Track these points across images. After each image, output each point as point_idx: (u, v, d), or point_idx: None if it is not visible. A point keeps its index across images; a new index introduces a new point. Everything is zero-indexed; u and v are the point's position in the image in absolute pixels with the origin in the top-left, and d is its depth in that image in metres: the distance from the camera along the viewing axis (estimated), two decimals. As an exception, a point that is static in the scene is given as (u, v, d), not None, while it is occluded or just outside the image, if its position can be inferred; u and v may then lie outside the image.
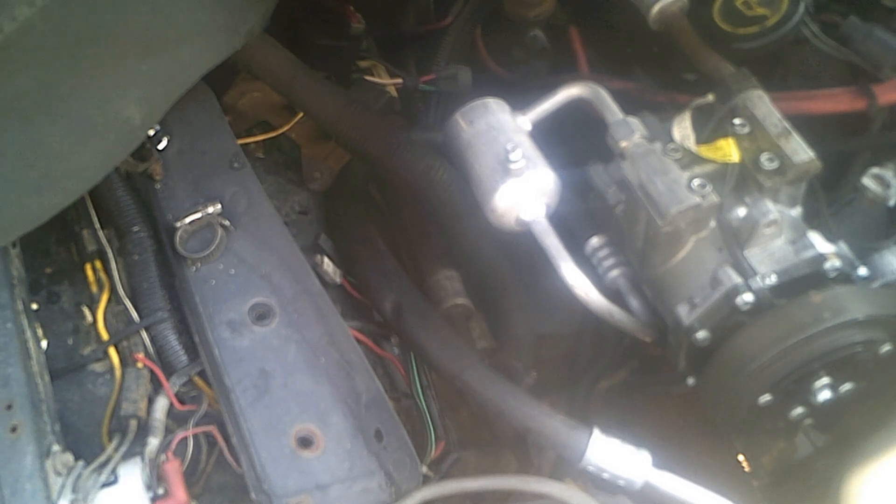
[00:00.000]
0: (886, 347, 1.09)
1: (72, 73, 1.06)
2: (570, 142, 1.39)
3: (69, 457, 1.08)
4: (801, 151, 1.12)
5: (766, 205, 1.12)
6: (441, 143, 1.29)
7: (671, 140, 1.19)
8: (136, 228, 1.33)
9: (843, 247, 1.12)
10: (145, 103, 1.18)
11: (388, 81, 1.69)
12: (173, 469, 1.09)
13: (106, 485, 1.07)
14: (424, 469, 1.24)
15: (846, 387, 1.11)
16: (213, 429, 1.18)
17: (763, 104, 1.18)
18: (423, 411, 1.31)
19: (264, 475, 1.10)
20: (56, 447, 1.08)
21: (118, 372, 1.25)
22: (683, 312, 1.12)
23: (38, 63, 1.01)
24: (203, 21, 1.22)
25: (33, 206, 1.13)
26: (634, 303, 1.21)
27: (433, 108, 1.72)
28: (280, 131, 1.64)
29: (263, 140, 1.63)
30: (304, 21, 1.67)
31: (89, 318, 1.30)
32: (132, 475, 1.08)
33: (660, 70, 1.61)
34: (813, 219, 1.20)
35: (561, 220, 1.18)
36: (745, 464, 1.26)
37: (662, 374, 1.43)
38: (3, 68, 0.98)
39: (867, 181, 1.25)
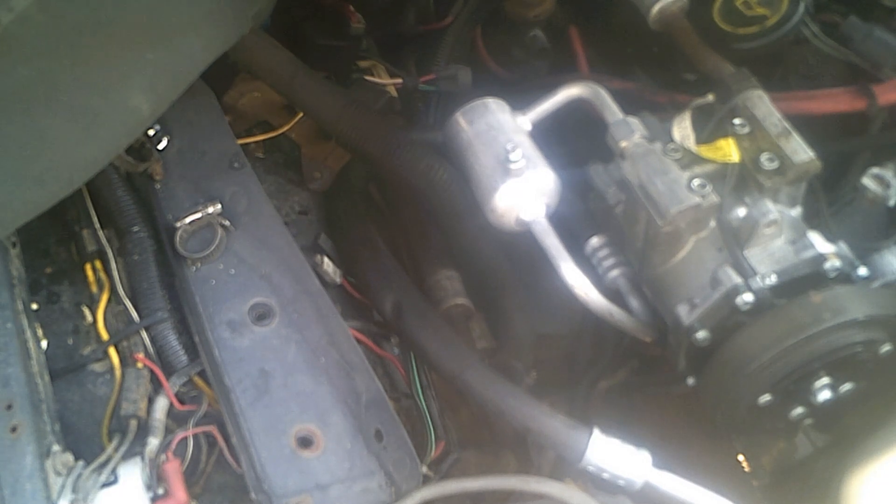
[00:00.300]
0: (886, 347, 1.09)
1: (74, 64, 1.05)
2: (570, 142, 1.39)
3: (69, 457, 1.08)
4: (801, 151, 1.12)
5: (766, 205, 1.12)
6: (441, 143, 1.29)
7: (671, 140, 1.19)
8: (136, 228, 1.33)
9: (843, 247, 1.12)
10: (152, 92, 1.16)
11: (388, 81, 1.69)
12: (173, 469, 1.09)
13: (106, 485, 1.07)
14: (424, 469, 1.24)
15: (846, 387, 1.11)
16: (213, 429, 1.18)
17: (763, 104, 1.18)
18: (423, 411, 1.31)
19: (264, 475, 1.10)
20: (56, 447, 1.08)
21: (118, 372, 1.25)
22: (683, 312, 1.12)
23: (39, 54, 1.00)
24: (210, 6, 1.19)
25: (36, 197, 1.12)
26: (634, 303, 1.21)
27: (433, 108, 1.73)
28: (280, 131, 1.64)
29: (263, 140, 1.63)
30: (304, 21, 1.67)
31: (89, 318, 1.30)
32: (132, 475, 1.08)
33: (660, 70, 1.61)
34: (813, 219, 1.20)
35: (561, 220, 1.18)
36: (745, 464, 1.26)
37: (662, 374, 1.43)
38: (2, 60, 0.98)
39: (867, 181, 1.25)
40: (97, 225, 1.36)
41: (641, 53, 1.65)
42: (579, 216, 1.28)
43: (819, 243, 1.11)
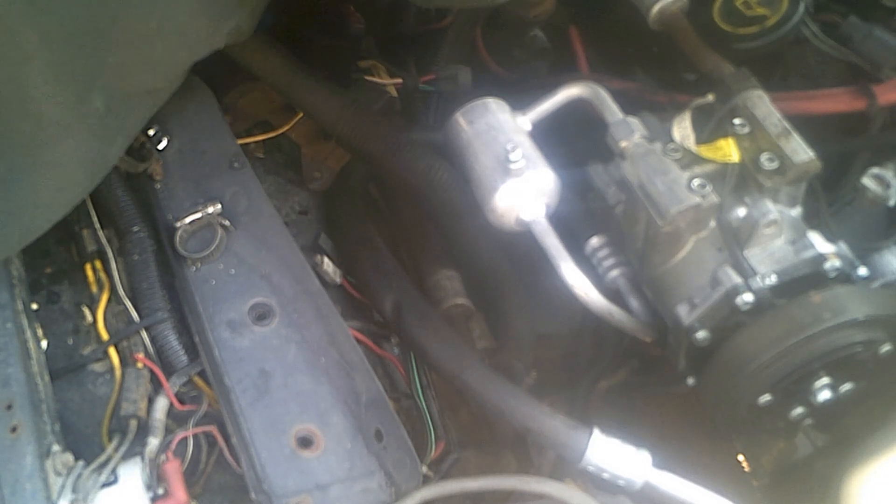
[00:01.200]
0: (886, 347, 1.09)
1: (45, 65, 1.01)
2: (570, 142, 1.39)
3: (69, 457, 1.08)
4: (801, 151, 1.12)
5: (766, 205, 1.13)
6: (441, 143, 1.29)
7: (671, 140, 1.19)
8: (136, 228, 1.33)
9: (843, 247, 1.12)
10: (107, 91, 1.11)
11: (388, 81, 1.69)
12: (173, 469, 1.09)
13: (106, 485, 1.07)
14: (424, 469, 1.24)
15: (846, 387, 1.11)
16: (213, 429, 1.18)
17: (763, 104, 1.18)
18: (423, 411, 1.31)
19: (264, 475, 1.10)
20: (56, 447, 1.08)
21: (118, 372, 1.25)
22: (683, 312, 1.12)
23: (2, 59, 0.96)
24: (180, 17, 1.15)
25: (31, 220, 1.11)
26: (634, 303, 1.21)
27: (433, 108, 1.72)
28: (280, 131, 1.64)
29: (263, 140, 1.63)
30: (304, 21, 1.67)
31: (89, 318, 1.30)
32: (132, 475, 1.08)
33: (660, 70, 1.61)
34: (813, 219, 1.20)
35: (561, 220, 1.18)
36: (745, 464, 1.26)
37: (662, 374, 1.43)
38: None
39: (867, 181, 1.25)
40: (97, 225, 1.36)
41: (641, 53, 1.65)
42: (579, 216, 1.28)
43: (819, 243, 1.11)
